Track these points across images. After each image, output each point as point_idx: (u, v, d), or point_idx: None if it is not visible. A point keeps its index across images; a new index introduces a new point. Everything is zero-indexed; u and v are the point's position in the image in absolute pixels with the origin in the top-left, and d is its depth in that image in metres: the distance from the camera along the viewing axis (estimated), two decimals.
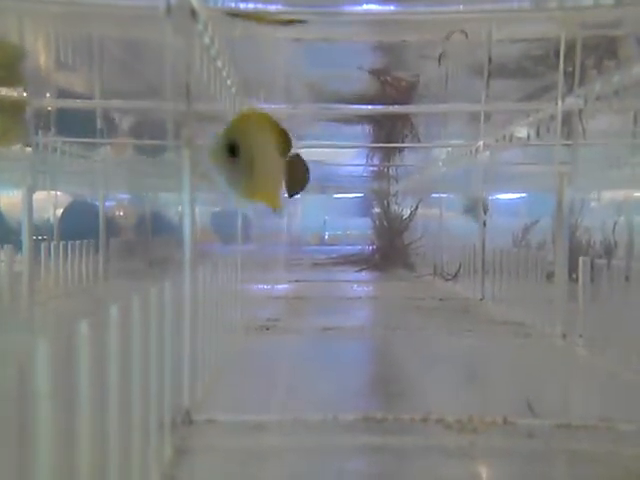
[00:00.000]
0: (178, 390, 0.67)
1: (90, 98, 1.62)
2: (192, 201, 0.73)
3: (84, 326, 0.38)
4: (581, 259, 1.10)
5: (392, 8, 0.96)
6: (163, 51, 0.74)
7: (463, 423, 0.70)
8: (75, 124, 1.67)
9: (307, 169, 0.76)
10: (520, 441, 0.65)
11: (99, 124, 1.66)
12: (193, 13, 0.71)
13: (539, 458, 0.62)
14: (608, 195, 2.57)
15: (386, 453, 0.65)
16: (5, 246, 1.44)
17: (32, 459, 0.34)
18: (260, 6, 0.86)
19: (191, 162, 0.70)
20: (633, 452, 0.63)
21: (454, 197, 2.73)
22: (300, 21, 0.85)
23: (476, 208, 1.89)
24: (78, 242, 1.72)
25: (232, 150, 0.67)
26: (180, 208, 0.75)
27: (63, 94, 1.61)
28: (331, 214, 4.12)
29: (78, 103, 1.59)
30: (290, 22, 0.84)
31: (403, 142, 2.74)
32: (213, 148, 0.69)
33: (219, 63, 0.92)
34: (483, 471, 0.60)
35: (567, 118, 1.29)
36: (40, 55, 1.35)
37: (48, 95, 1.55)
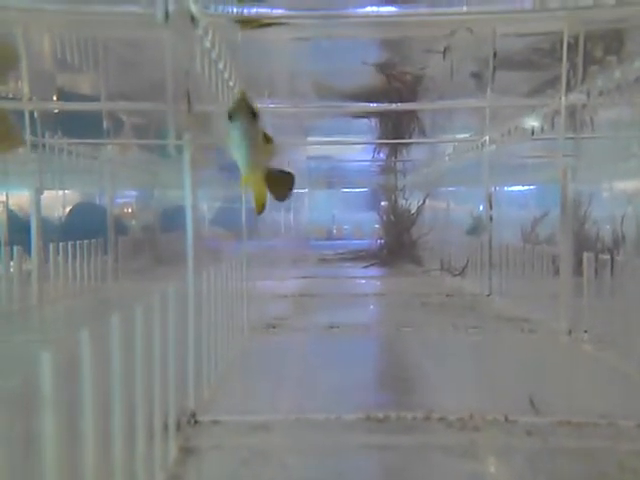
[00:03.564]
0: (183, 392, 0.69)
1: (96, 100, 1.65)
2: (194, 201, 0.74)
3: (86, 334, 0.39)
4: (585, 255, 1.10)
5: (394, 10, 0.96)
6: (163, 57, 0.75)
7: (465, 421, 0.71)
8: (82, 127, 1.69)
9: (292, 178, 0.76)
10: (519, 439, 0.66)
11: (105, 125, 1.68)
12: (193, 19, 0.72)
13: (535, 456, 0.62)
14: (616, 187, 2.54)
15: (388, 452, 0.66)
16: (15, 247, 1.46)
17: (37, 462, 0.36)
18: (262, 10, 0.86)
19: (192, 163, 0.72)
20: (629, 448, 0.63)
21: (462, 191, 2.72)
22: (280, 24, 0.85)
23: (479, 228, 1.89)
24: (87, 242, 1.74)
25: (253, 113, 0.67)
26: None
27: (70, 98, 1.63)
28: (338, 209, 4.12)
29: (84, 106, 1.61)
30: (269, 25, 0.84)
31: (410, 136, 2.73)
32: (234, 107, 0.67)
33: (220, 65, 0.92)
34: (481, 469, 0.61)
35: (573, 111, 1.28)
36: (48, 62, 1.37)
37: (55, 98, 1.58)
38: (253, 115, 0.69)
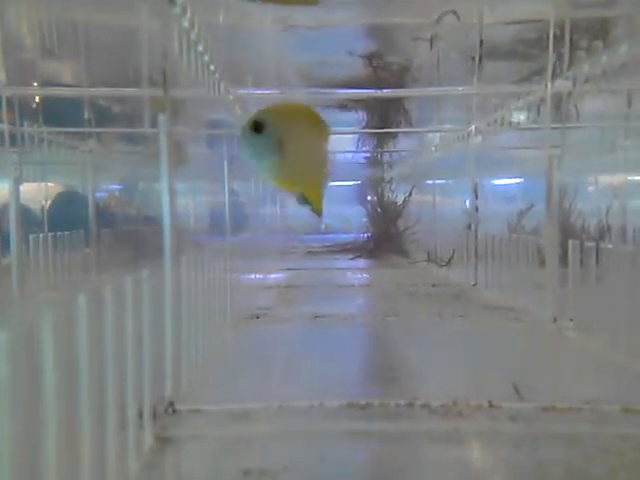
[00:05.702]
0: (160, 380, 0.67)
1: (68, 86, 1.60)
2: (171, 189, 0.72)
3: (48, 315, 0.37)
4: (570, 242, 1.09)
5: None
6: (139, 36, 0.73)
7: (448, 407, 0.69)
8: (55, 114, 1.65)
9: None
10: (503, 424, 0.65)
11: (85, 114, 1.64)
12: None
13: (520, 441, 0.61)
14: (602, 179, 2.55)
15: (371, 439, 0.65)
16: None
17: None
18: None
19: (169, 149, 0.69)
20: (613, 432, 0.62)
21: (448, 183, 2.71)
22: None
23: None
24: (67, 233, 1.71)
25: (257, 127, 0.68)
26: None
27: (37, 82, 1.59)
28: (326, 202, 4.09)
29: (52, 91, 1.56)
30: None
31: (397, 128, 2.72)
32: (242, 125, 0.69)
33: (200, 47, 0.90)
34: (465, 455, 0.60)
35: (559, 100, 1.27)
36: (24, 47, 1.33)
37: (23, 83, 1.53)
38: (257, 128, 0.69)
